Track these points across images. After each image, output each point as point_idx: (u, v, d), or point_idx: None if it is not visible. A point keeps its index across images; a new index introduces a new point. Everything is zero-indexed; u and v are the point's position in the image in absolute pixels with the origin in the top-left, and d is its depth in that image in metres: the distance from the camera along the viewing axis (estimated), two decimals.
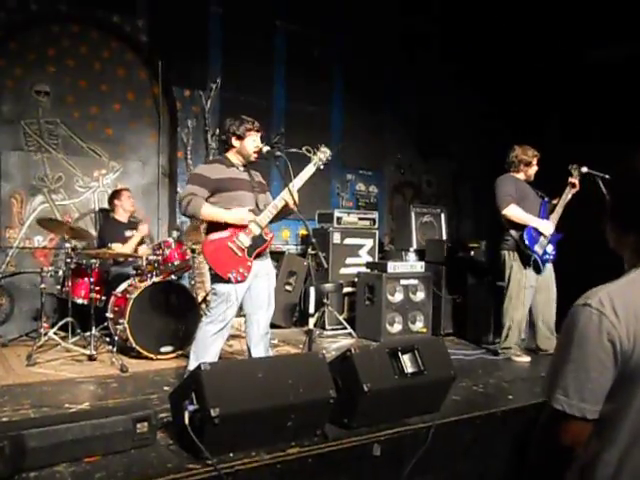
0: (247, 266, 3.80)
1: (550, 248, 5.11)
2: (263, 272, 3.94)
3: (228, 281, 3.74)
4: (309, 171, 3.93)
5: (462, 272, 6.50)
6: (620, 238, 1.50)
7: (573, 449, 1.43)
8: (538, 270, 5.10)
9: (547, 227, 5.08)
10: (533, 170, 5.22)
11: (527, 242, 4.98)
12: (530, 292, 5.09)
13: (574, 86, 7.39)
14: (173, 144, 7.09)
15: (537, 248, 5.03)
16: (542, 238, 5.05)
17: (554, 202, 5.25)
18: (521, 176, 5.20)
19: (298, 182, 3.88)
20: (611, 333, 1.34)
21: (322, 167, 4.00)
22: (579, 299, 1.42)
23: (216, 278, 3.82)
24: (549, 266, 5.19)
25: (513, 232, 5.08)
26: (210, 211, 3.78)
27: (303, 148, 4.00)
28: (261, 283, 3.93)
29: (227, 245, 3.78)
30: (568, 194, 5.19)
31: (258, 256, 3.88)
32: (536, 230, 5.04)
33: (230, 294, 3.75)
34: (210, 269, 3.87)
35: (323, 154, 3.95)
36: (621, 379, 1.36)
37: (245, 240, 3.81)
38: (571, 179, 5.15)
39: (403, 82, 8.35)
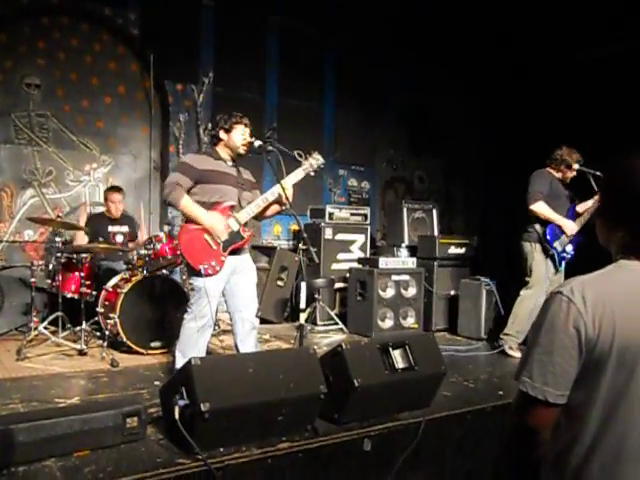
0: (220, 260, 3.76)
1: (570, 247, 5.19)
2: (242, 268, 3.91)
3: (199, 273, 3.70)
4: (298, 176, 3.90)
5: (453, 268, 6.53)
6: (609, 233, 1.54)
7: (538, 433, 1.46)
8: (555, 266, 5.18)
9: (570, 227, 5.14)
10: (571, 174, 5.25)
11: (548, 237, 5.08)
12: (546, 285, 5.15)
13: (566, 84, 7.41)
14: (165, 138, 7.06)
15: (557, 245, 5.12)
16: (564, 237, 5.13)
17: (579, 210, 5.26)
18: (558, 174, 5.25)
19: (286, 183, 3.85)
20: (577, 320, 1.38)
21: (312, 174, 3.98)
22: (555, 287, 1.48)
23: (192, 271, 3.78)
24: (563, 265, 5.26)
25: (538, 226, 5.15)
26: (188, 205, 3.74)
27: (295, 152, 3.98)
28: (242, 280, 3.90)
29: (203, 237, 3.75)
30: (594, 206, 5.19)
31: (235, 252, 3.86)
32: (559, 227, 5.11)
33: (208, 289, 3.69)
34: (183, 259, 3.84)
35: (315, 161, 3.93)
36: (587, 367, 1.39)
37: (222, 234, 3.80)
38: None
39: (396, 78, 8.34)
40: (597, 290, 1.40)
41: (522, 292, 5.27)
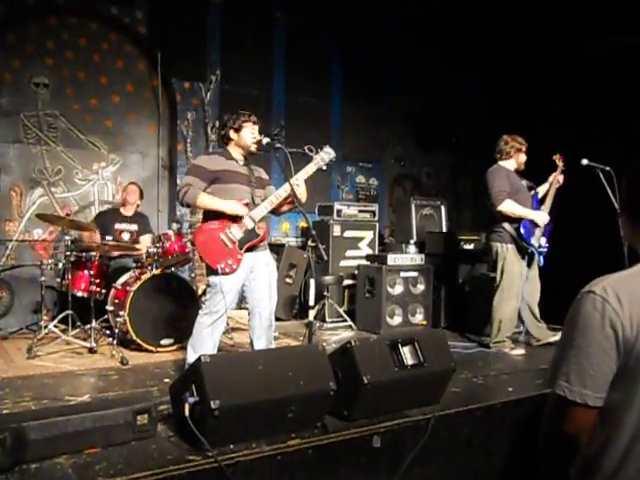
0: (237, 259, 3.81)
1: (543, 240, 5.09)
2: (261, 264, 3.95)
3: (217, 272, 3.76)
4: (309, 170, 3.90)
5: (462, 264, 6.51)
6: (634, 230, 1.51)
7: (577, 437, 1.43)
8: (530, 263, 5.09)
9: (542, 218, 5.04)
10: (523, 158, 5.15)
11: (524, 235, 4.94)
12: (522, 284, 5.04)
13: (574, 78, 7.36)
14: (173, 136, 7.08)
15: (533, 241, 5.00)
16: (537, 230, 5.02)
17: (540, 197, 5.20)
18: (511, 164, 5.13)
19: (296, 180, 3.84)
20: (613, 320, 1.35)
21: (324, 168, 3.97)
22: (584, 287, 1.43)
23: (209, 269, 3.85)
24: (541, 260, 5.18)
25: (507, 225, 5.00)
26: (205, 199, 3.81)
27: (305, 147, 3.97)
28: (261, 275, 3.94)
29: (218, 236, 3.81)
30: (554, 186, 5.17)
31: (253, 249, 3.89)
32: (531, 222, 4.99)
33: (223, 285, 3.76)
34: (201, 259, 3.90)
35: (327, 155, 3.91)
36: (624, 369, 1.36)
37: (237, 233, 3.82)
38: (555, 174, 5.11)
39: (403, 74, 8.31)
40: (632, 289, 1.37)
41: (495, 298, 5.07)
